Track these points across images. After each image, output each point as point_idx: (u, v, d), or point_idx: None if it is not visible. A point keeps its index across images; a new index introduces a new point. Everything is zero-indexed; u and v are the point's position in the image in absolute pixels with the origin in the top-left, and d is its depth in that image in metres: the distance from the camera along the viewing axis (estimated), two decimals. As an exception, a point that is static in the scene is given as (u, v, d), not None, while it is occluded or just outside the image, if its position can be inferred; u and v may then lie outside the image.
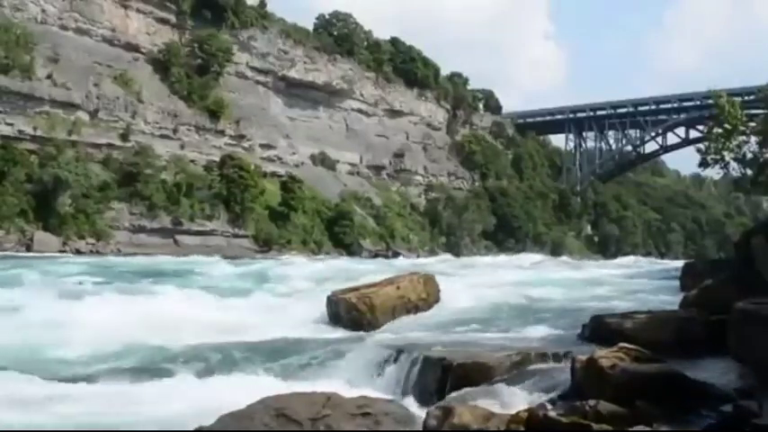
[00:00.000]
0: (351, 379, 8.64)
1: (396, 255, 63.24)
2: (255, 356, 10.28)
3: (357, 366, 9.09)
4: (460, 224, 78.59)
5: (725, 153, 24.51)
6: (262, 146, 68.38)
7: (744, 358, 6.78)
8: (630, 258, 58.14)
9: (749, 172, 24.84)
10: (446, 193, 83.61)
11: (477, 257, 56.33)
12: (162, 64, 61.77)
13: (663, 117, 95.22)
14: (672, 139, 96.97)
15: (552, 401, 6.48)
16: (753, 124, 25.70)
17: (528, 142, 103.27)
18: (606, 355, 6.54)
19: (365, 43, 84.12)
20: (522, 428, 5.23)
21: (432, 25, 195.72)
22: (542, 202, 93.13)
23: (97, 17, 58.07)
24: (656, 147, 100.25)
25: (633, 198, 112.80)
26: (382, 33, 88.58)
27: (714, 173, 35.45)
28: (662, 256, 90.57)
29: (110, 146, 53.23)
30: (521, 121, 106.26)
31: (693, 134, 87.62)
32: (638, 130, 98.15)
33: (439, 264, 37.29)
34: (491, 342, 10.05)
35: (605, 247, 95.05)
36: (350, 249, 64.13)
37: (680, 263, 24.67)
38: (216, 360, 10.00)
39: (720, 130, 24.63)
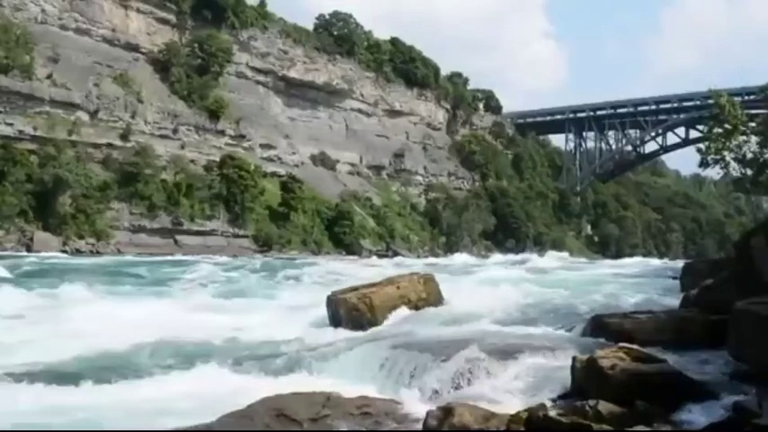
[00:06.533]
0: (351, 379, 8.62)
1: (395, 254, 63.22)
2: (256, 356, 10.27)
3: (357, 366, 9.06)
4: (460, 224, 78.59)
5: (725, 153, 24.58)
6: (262, 146, 68.39)
7: (744, 358, 6.77)
8: (636, 259, 57.97)
9: (749, 172, 24.89)
10: (446, 193, 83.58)
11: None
12: (162, 64, 61.79)
13: (663, 117, 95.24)
14: (672, 139, 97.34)
15: (552, 401, 6.48)
16: (753, 124, 25.76)
17: (528, 142, 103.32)
18: (606, 355, 6.54)
19: (365, 43, 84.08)
20: (522, 428, 5.23)
21: (431, 25, 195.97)
22: (542, 202, 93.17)
23: (97, 17, 58.07)
24: (656, 147, 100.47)
25: (633, 198, 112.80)
26: (381, 33, 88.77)
27: (714, 173, 35.51)
28: (662, 256, 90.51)
29: (110, 146, 53.23)
30: (521, 121, 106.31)
31: (693, 134, 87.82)
32: (638, 130, 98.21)
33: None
34: (491, 342, 10.03)
35: (605, 247, 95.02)
36: (350, 249, 64.09)
37: (680, 263, 24.63)
38: (216, 359, 9.97)
39: (720, 130, 24.71)
